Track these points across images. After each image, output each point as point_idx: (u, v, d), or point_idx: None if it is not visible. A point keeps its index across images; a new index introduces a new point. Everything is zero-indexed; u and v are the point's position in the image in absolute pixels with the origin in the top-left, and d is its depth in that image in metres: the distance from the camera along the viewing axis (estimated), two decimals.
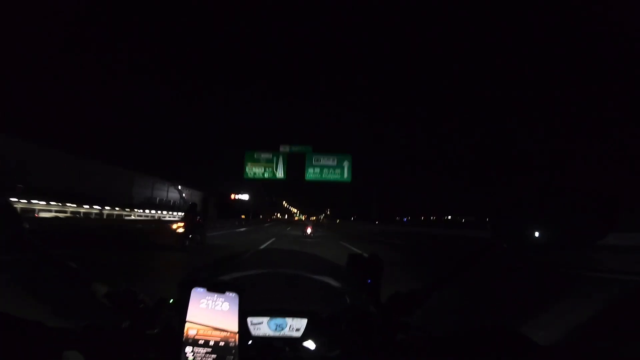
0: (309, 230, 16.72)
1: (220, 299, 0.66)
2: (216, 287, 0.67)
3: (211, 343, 0.63)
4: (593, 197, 0.61)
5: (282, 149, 20.23)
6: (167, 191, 41.52)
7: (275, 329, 0.83)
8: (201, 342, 0.63)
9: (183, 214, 9.10)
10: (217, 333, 0.64)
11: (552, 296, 4.21)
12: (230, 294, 0.67)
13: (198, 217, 8.64)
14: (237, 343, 0.64)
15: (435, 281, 0.71)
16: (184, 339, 0.62)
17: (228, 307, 0.66)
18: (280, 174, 20.10)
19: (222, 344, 0.63)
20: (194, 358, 0.62)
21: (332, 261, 1.02)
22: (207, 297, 0.66)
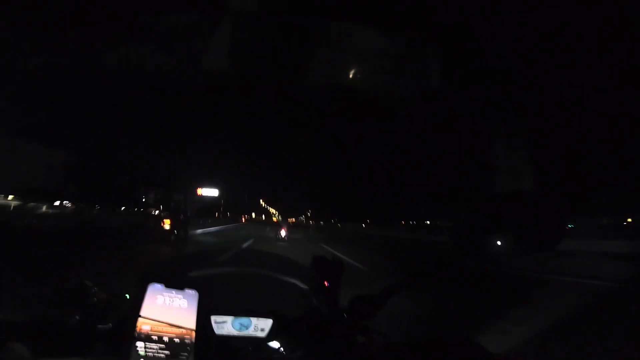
0: (283, 233, 14.53)
1: (179, 295, 0.66)
2: (175, 283, 0.66)
3: (165, 339, 0.62)
4: (545, 204, 0.64)
5: None
6: None
7: (240, 329, 0.82)
8: (154, 337, 0.62)
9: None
10: (173, 330, 0.63)
11: (513, 301, 4.38)
12: (190, 291, 0.66)
13: (182, 215, 9.85)
14: (193, 340, 0.63)
15: (394, 286, 0.72)
16: (135, 334, 0.61)
17: (186, 304, 0.66)
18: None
19: (177, 340, 0.62)
20: (146, 354, 0.61)
21: (300, 263, 1.03)
22: (164, 293, 0.65)
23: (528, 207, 0.65)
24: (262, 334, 0.82)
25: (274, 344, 0.81)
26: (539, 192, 0.63)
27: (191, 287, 0.66)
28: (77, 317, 0.65)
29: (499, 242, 0.66)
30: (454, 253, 0.69)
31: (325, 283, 0.74)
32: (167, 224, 9.53)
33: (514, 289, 5.67)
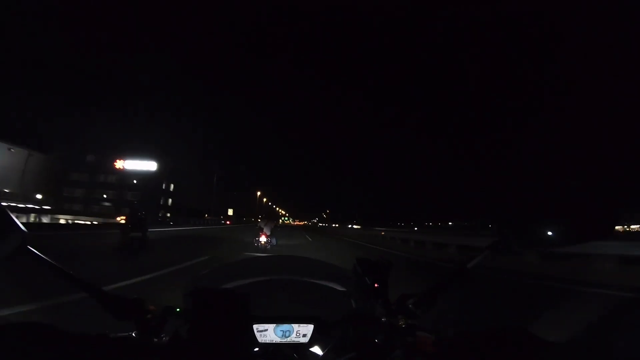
0: (263, 239, 10.48)
1: (226, 306, 0.68)
2: (221, 295, 0.67)
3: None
4: (594, 193, 0.63)
5: None
6: None
7: (282, 336, 0.82)
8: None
9: None
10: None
11: (540, 310, 4.25)
12: (235, 301, 0.68)
13: (140, 212, 10.30)
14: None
15: (442, 282, 0.72)
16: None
17: (234, 314, 0.68)
18: None
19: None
20: None
21: (335, 265, 1.03)
22: (212, 305, 0.67)
23: (577, 195, 0.64)
24: (305, 340, 0.82)
25: (317, 349, 0.81)
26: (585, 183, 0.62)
27: (235, 297, 0.68)
28: (136, 332, 0.66)
29: (549, 232, 0.65)
30: (507, 242, 0.69)
31: (375, 285, 0.74)
32: (124, 220, 10.58)
33: (526, 298, 5.49)
